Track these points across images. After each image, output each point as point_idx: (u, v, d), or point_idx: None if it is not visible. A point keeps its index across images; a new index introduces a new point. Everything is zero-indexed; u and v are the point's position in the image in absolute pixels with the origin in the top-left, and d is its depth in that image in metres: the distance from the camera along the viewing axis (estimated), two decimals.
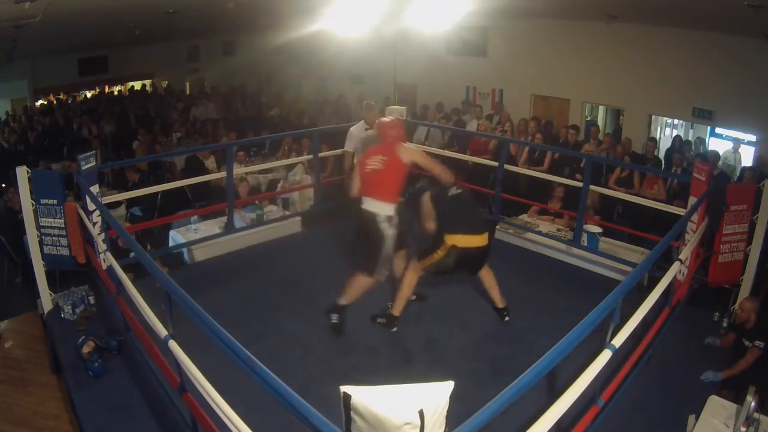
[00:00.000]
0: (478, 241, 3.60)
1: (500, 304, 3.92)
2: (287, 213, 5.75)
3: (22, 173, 3.75)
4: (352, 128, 4.87)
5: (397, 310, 3.74)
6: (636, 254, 4.65)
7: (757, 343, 3.28)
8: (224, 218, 5.10)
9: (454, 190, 3.71)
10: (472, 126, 8.36)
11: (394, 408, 1.48)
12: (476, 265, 3.76)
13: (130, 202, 5.87)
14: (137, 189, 5.14)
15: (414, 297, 3.92)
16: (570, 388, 1.98)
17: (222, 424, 2.02)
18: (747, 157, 7.06)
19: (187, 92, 14.45)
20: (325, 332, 3.75)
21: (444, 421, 1.59)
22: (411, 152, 3.63)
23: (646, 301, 2.71)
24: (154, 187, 5.52)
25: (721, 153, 7.05)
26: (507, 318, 3.92)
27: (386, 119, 3.81)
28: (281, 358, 3.34)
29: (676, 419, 2.88)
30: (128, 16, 8.79)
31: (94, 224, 3.82)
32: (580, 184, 4.69)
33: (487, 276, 3.86)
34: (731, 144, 7.16)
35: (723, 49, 6.67)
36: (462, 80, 9.74)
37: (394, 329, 3.76)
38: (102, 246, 3.74)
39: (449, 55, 9.60)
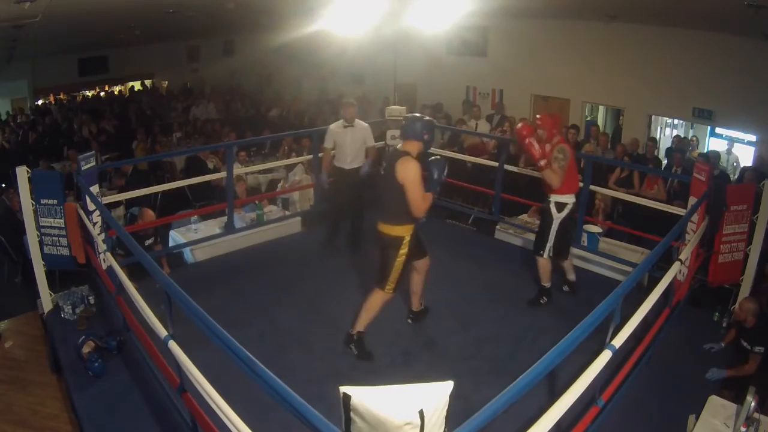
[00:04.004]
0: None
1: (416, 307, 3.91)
2: (287, 213, 5.75)
3: (22, 173, 3.75)
4: (331, 125, 4.99)
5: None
6: (636, 254, 4.65)
7: (757, 349, 3.29)
8: (224, 218, 5.10)
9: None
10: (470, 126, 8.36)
11: (394, 408, 1.48)
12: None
13: (130, 202, 5.87)
14: (125, 192, 5.15)
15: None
16: (570, 389, 1.98)
17: (222, 424, 2.02)
18: (743, 157, 7.05)
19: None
20: (325, 332, 3.75)
21: (444, 421, 1.59)
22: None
23: (646, 301, 2.71)
24: (154, 187, 5.52)
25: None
26: (409, 320, 3.93)
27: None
28: (281, 358, 3.34)
29: (676, 419, 2.88)
30: (128, 16, 8.79)
31: (94, 224, 3.82)
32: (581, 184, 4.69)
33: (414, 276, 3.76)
34: (726, 144, 7.16)
35: (723, 49, 6.66)
36: (462, 80, 9.73)
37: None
38: (102, 246, 3.75)
39: (449, 55, 9.59)
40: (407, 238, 3.32)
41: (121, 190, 5.90)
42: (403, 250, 3.33)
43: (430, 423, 1.49)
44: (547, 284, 4.19)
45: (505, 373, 3.19)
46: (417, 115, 3.42)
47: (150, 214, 4.71)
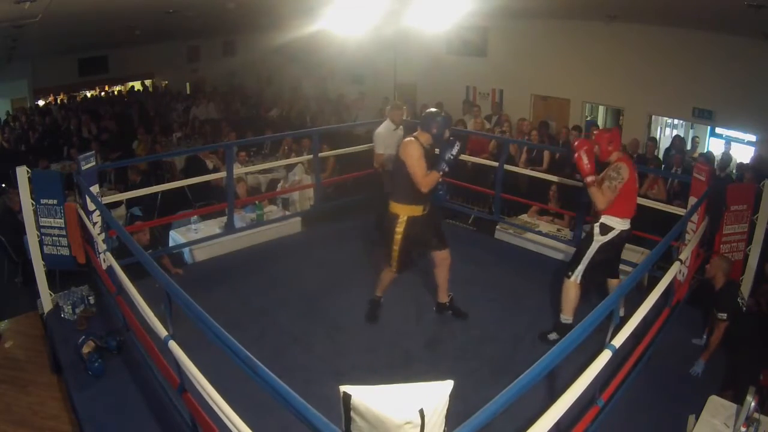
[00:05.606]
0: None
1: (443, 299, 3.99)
2: (287, 213, 5.76)
3: (22, 173, 3.75)
4: (379, 129, 4.96)
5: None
6: (636, 254, 4.65)
7: (720, 315, 3.31)
8: (224, 218, 5.10)
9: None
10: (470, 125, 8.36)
11: (394, 407, 1.48)
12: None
13: (130, 202, 5.88)
14: (137, 189, 5.14)
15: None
16: (570, 389, 1.98)
17: (222, 424, 2.02)
18: (741, 159, 7.05)
19: (188, 91, 14.45)
20: (325, 332, 3.75)
21: (444, 420, 1.59)
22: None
23: (646, 301, 2.71)
24: (154, 187, 5.51)
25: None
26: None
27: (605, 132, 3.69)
28: (281, 358, 3.34)
29: (676, 419, 2.88)
30: (128, 16, 8.79)
31: (94, 224, 3.82)
32: (581, 184, 4.68)
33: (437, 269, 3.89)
34: (723, 146, 7.15)
35: (723, 49, 6.67)
36: (462, 80, 9.74)
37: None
38: (102, 246, 3.75)
39: (449, 55, 9.60)
40: (403, 218, 3.53)
41: (134, 187, 5.91)
42: (399, 229, 3.55)
43: (430, 422, 1.49)
44: (567, 319, 3.65)
45: (505, 373, 3.20)
46: (434, 110, 3.63)
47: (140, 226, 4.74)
